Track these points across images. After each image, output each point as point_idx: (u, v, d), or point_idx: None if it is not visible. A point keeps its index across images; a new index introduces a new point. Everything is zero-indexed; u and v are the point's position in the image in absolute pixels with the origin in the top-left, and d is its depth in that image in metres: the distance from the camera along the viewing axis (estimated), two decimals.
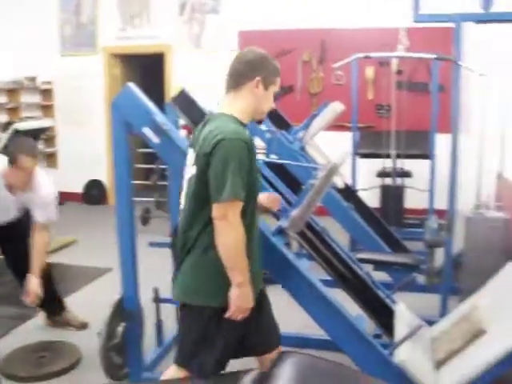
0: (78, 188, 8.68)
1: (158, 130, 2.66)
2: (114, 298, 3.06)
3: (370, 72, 7.24)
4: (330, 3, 7.33)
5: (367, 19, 7.16)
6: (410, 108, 5.99)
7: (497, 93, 3.87)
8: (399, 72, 6.19)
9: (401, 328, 3.06)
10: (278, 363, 1.50)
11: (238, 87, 2.33)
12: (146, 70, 9.35)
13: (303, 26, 7.40)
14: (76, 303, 4.53)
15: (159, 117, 2.67)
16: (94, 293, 4.78)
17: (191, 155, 2.34)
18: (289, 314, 3.93)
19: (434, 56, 4.11)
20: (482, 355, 2.73)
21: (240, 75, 2.33)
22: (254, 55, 2.37)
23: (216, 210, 2.18)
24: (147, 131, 2.69)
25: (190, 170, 2.32)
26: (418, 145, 6.00)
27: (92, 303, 4.36)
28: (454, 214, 3.89)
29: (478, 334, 2.91)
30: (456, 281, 4.11)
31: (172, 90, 7.49)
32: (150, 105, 2.74)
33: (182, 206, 2.38)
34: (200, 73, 7.73)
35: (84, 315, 4.14)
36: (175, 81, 7.97)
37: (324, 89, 7.53)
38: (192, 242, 2.30)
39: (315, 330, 2.96)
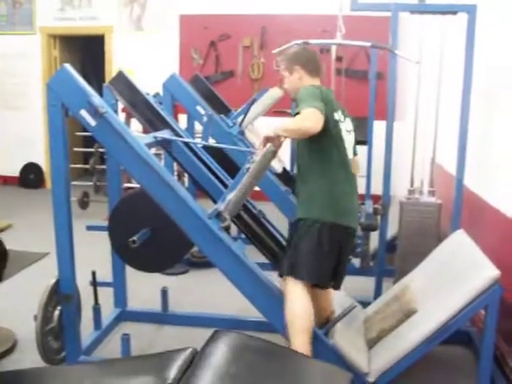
0: (15, 171, 8.49)
1: (94, 112, 2.63)
2: (50, 282, 3.03)
3: None
4: None
5: (308, 5, 7.23)
6: (349, 95, 6.08)
7: (432, 81, 3.97)
8: (339, 59, 6.27)
9: (336, 309, 3.14)
10: (211, 341, 1.54)
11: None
12: (86, 51, 9.18)
13: (244, 11, 7.42)
14: (12, 288, 4.46)
15: (96, 99, 2.64)
16: (31, 277, 4.71)
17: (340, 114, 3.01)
18: (227, 297, 3.97)
19: (370, 44, 4.18)
20: (411, 334, 2.84)
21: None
22: None
23: None
24: (84, 114, 2.66)
25: (345, 125, 3.03)
26: (357, 131, 6.08)
27: (29, 288, 4.28)
28: (388, 198, 3.99)
29: (408, 313, 3.02)
30: (390, 263, 4.22)
31: (112, 72, 7.39)
32: (87, 87, 2.70)
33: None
34: (140, 55, 7.67)
35: (20, 300, 4.08)
36: (115, 63, 7.87)
37: (265, 74, 7.58)
38: None
39: (254, 313, 3.00)
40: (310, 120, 2.70)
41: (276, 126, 2.73)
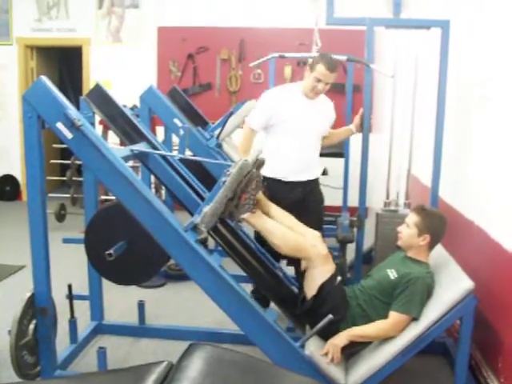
0: None
1: (71, 125, 2.62)
2: (25, 296, 3.00)
3: (288, 71, 7.37)
4: (249, 2, 7.43)
5: (285, 19, 7.30)
6: None
7: (408, 94, 4.02)
8: None
9: None
10: (187, 355, 1.53)
11: None
12: (64, 63, 9.15)
13: (222, 23, 7.45)
14: None
15: (72, 112, 2.63)
16: (6, 291, 4.66)
17: None
18: (203, 310, 3.97)
19: (345, 57, 4.23)
20: (387, 345, 2.86)
21: None
22: None
23: None
24: (60, 126, 2.65)
25: None
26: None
27: (4, 301, 4.25)
28: (364, 210, 4.02)
29: None
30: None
31: (90, 84, 7.38)
32: (63, 99, 2.69)
33: None
34: (118, 67, 7.66)
35: None
36: (93, 75, 7.85)
37: (243, 87, 7.61)
38: None
39: (230, 326, 3.00)
40: (396, 331, 2.85)
41: (350, 333, 2.90)
